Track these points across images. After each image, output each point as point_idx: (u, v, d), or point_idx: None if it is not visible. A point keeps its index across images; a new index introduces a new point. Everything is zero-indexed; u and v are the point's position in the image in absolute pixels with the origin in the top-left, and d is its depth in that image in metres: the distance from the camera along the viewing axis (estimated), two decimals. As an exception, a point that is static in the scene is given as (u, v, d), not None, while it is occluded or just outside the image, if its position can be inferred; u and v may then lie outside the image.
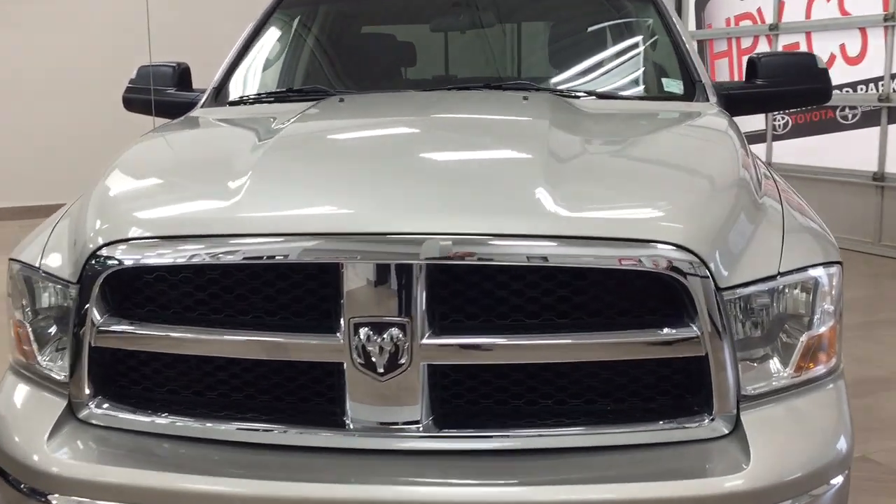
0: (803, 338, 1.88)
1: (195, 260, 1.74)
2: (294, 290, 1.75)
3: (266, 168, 2.02)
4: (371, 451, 1.75)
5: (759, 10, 7.76)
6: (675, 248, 1.70)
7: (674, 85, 2.98)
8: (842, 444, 1.82)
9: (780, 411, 1.83)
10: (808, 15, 7.27)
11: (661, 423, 1.76)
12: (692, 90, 2.94)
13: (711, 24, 8.39)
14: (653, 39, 3.23)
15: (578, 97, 2.79)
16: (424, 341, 1.69)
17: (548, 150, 2.03)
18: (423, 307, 1.68)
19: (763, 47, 7.62)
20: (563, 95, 2.78)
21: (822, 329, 1.91)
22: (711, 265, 1.72)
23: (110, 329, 1.80)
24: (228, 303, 1.78)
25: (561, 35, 3.49)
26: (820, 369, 1.91)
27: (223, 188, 1.88)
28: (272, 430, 1.78)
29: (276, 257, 1.71)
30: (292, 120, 2.41)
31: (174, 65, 3.33)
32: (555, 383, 1.78)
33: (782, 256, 1.85)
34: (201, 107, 3.03)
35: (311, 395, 1.81)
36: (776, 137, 7.73)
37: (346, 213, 1.81)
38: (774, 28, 7.51)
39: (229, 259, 1.73)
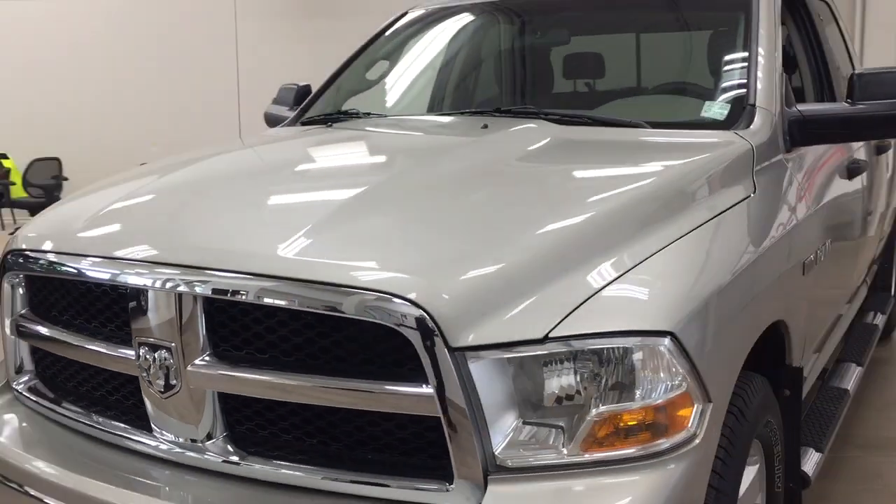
0: (592, 414, 1.67)
1: (46, 272, 2.05)
2: (114, 305, 1.96)
3: (122, 197, 2.24)
4: (165, 461, 1.92)
5: None
6: (402, 301, 1.62)
7: (717, 109, 2.64)
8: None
9: (542, 490, 1.65)
10: None
11: (395, 481, 1.69)
12: (737, 115, 2.59)
13: None
14: (721, 55, 2.87)
15: (575, 124, 2.61)
16: (189, 368, 1.81)
17: (361, 192, 2.03)
18: (183, 334, 1.80)
19: None
20: (561, 122, 2.61)
21: (629, 406, 1.67)
22: (442, 323, 1.60)
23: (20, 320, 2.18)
24: (78, 312, 2.05)
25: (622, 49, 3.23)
26: (632, 451, 1.68)
27: (94, 212, 2.15)
28: (112, 430, 2.02)
29: (88, 276, 1.95)
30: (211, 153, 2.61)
31: (295, 86, 3.67)
32: (315, 423, 1.79)
33: (565, 320, 1.65)
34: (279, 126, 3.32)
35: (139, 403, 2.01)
36: None
37: (138, 241, 1.97)
38: None
39: (65, 275, 2.00)
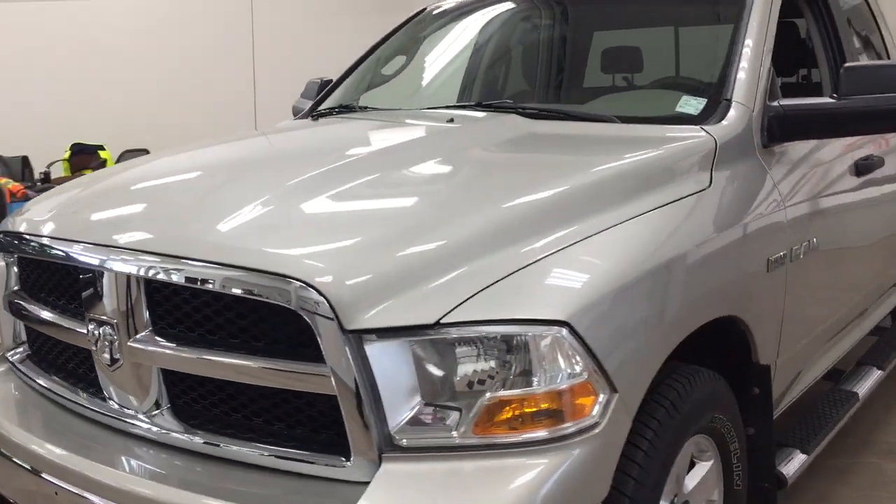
0: (485, 398, 1.72)
1: (27, 254, 2.23)
2: (75, 285, 2.12)
3: (95, 185, 2.40)
4: (121, 431, 2.07)
5: None
6: (300, 284, 1.72)
7: (693, 104, 2.63)
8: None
9: (435, 469, 1.72)
10: None
11: (301, 455, 1.79)
12: (712, 110, 2.58)
13: None
14: (710, 50, 2.84)
15: (548, 119, 2.64)
16: (129, 343, 1.96)
17: (296, 182, 2.14)
18: (123, 312, 1.94)
19: None
20: (536, 117, 2.65)
21: (522, 392, 1.73)
22: (337, 306, 1.69)
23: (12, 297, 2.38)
24: (51, 291, 2.23)
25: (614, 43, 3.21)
26: (527, 436, 1.73)
27: (64, 201, 2.32)
28: (78, 401, 2.19)
29: (55, 257, 2.12)
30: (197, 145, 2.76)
31: (319, 80, 3.81)
32: (238, 399, 1.90)
33: (460, 306, 1.71)
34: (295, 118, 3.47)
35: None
36: None
37: (93, 227, 2.14)
38: None
39: (41, 256, 2.18)
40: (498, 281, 1.78)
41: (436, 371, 1.72)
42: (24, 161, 10.26)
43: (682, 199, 2.20)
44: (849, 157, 3.09)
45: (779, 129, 2.60)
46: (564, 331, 1.72)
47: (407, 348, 1.71)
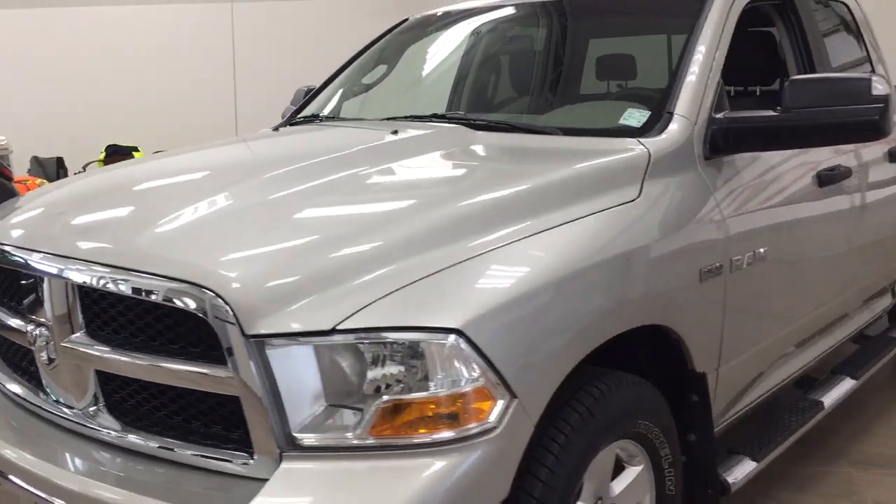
0: (381, 401, 1.81)
1: None
2: (22, 288, 2.26)
3: (46, 195, 2.54)
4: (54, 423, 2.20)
5: None
6: (204, 291, 1.82)
7: (637, 116, 2.68)
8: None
9: (331, 468, 1.81)
10: None
11: (214, 452, 1.90)
12: (654, 123, 2.63)
13: None
14: (661, 64, 2.89)
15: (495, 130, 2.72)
16: (63, 344, 2.08)
17: (222, 191, 2.27)
18: (57, 315, 2.07)
19: None
20: (483, 128, 2.73)
21: (417, 396, 1.81)
22: (239, 312, 1.79)
23: None
24: (5, 293, 2.37)
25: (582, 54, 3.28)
26: (422, 438, 1.82)
27: (18, 208, 2.46)
28: (31, 401, 2.32)
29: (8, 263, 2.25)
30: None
31: (305, 88, 3.92)
32: (160, 398, 2.01)
33: (358, 313, 1.80)
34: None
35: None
36: None
37: (38, 234, 2.27)
38: None
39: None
40: (401, 288, 1.86)
41: (334, 375, 1.81)
42: (59, 162, 10.55)
43: (603, 210, 2.26)
44: (810, 168, 3.10)
45: (722, 141, 2.64)
46: (458, 339, 1.80)
47: (307, 353, 1.80)
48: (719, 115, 2.67)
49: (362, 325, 1.79)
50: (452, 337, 1.80)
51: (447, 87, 3.54)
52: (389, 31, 3.82)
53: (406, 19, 3.86)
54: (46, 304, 2.10)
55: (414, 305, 1.84)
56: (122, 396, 2.07)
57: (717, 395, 2.72)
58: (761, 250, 2.74)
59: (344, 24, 10.34)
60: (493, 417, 1.86)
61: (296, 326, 1.79)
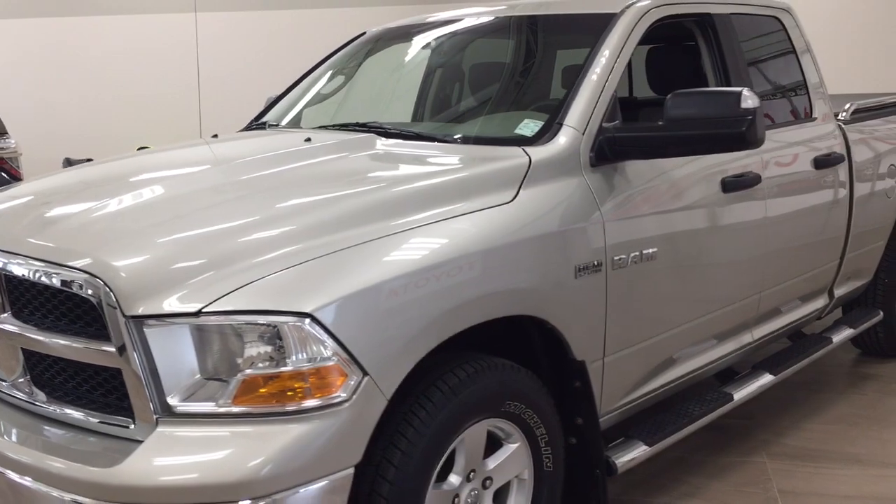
0: (240, 376, 2.10)
1: None
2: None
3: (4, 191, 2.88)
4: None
5: None
6: (90, 276, 2.14)
7: (531, 126, 2.94)
8: (240, 474, 2.02)
9: (198, 433, 2.10)
10: None
11: (104, 417, 2.21)
12: (544, 133, 2.88)
13: None
14: (563, 77, 3.13)
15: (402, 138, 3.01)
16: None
17: (142, 190, 2.62)
18: None
19: None
20: (392, 136, 3.02)
21: (274, 370, 2.10)
22: (120, 295, 2.10)
23: None
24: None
25: (482, 71, 3.55)
26: (278, 408, 2.10)
27: None
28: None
29: None
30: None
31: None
32: (68, 371, 2.33)
33: (224, 297, 2.09)
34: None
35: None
36: None
37: None
38: None
39: None
40: (266, 276, 2.14)
41: (202, 351, 2.10)
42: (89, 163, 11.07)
43: (476, 211, 2.52)
44: (715, 174, 3.31)
45: (609, 150, 2.88)
46: (311, 322, 2.08)
47: (178, 332, 2.09)
48: (608, 126, 2.91)
49: (226, 308, 2.08)
50: (307, 321, 2.08)
51: (383, 98, 3.82)
52: (347, 44, 4.11)
53: (363, 33, 4.14)
54: None
55: (277, 291, 2.12)
56: (42, 370, 2.39)
57: (606, 383, 2.96)
58: (649, 251, 2.97)
59: (310, 36, 10.75)
60: (344, 392, 2.14)
61: (168, 308, 2.09)
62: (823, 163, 3.97)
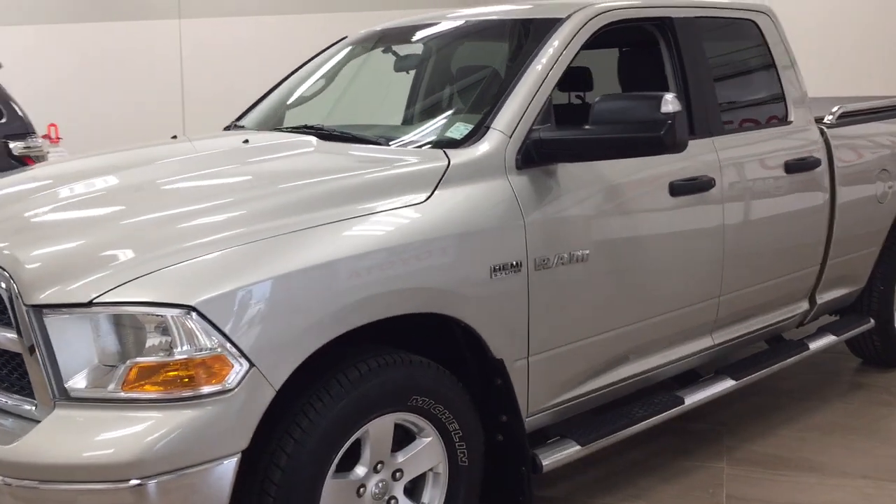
0: (129, 363, 2.23)
1: None
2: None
3: None
4: None
5: None
6: (2, 270, 2.30)
7: (460, 129, 3.01)
8: (126, 455, 2.17)
9: (90, 416, 2.24)
10: None
11: (14, 399, 2.38)
12: (472, 136, 2.95)
13: None
14: (503, 82, 3.18)
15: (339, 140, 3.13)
16: None
17: (78, 188, 2.79)
18: None
19: None
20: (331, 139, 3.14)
21: (160, 359, 2.23)
22: (21, 286, 2.26)
23: None
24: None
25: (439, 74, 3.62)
26: (163, 395, 2.23)
27: None
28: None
29: None
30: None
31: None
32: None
33: (115, 289, 2.22)
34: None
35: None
36: None
37: None
38: None
39: None
40: (161, 269, 2.27)
41: (96, 339, 2.24)
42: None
43: (385, 211, 2.61)
44: (661, 178, 3.33)
45: (536, 153, 2.93)
46: (194, 314, 2.20)
47: (73, 320, 2.24)
48: (537, 129, 2.96)
49: (117, 300, 2.22)
50: (192, 313, 2.20)
51: (350, 102, 3.94)
52: (325, 49, 4.23)
53: (344, 38, 4.27)
54: None
55: (168, 284, 2.25)
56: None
57: (533, 383, 3.01)
58: (580, 253, 3.01)
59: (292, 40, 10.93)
60: (230, 381, 2.25)
61: (63, 299, 2.24)
62: (796, 167, 3.93)
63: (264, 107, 3.99)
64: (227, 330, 2.24)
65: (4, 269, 2.31)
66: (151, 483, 2.16)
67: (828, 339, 4.34)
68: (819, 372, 4.91)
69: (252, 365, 2.27)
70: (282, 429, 2.40)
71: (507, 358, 2.87)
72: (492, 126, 2.95)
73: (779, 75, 4.07)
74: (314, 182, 2.71)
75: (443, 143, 2.98)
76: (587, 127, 2.89)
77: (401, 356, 2.62)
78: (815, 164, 4.03)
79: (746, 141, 3.79)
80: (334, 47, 4.15)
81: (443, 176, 2.77)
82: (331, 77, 3.97)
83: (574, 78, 3.98)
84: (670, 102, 2.80)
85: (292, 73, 4.20)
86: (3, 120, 5.93)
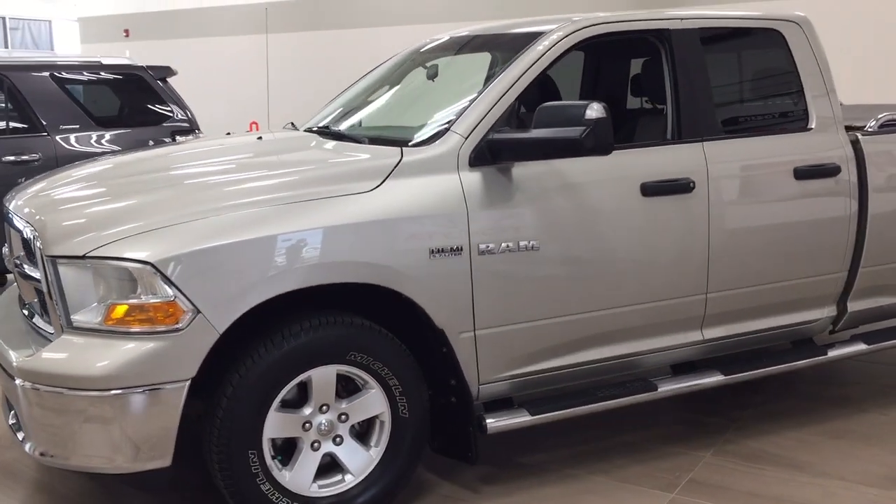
0: (109, 302, 2.95)
1: None
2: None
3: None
4: None
5: None
6: (32, 227, 3.12)
7: (426, 131, 3.49)
8: (94, 371, 2.90)
9: (83, 341, 2.98)
10: None
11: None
12: (434, 137, 3.44)
13: None
14: (479, 89, 3.61)
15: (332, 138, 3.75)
16: None
17: (126, 170, 3.59)
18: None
19: None
20: (328, 136, 3.74)
21: (129, 302, 2.93)
22: (43, 240, 3.05)
23: None
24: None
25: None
26: (134, 329, 2.93)
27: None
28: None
29: None
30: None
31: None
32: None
33: (104, 246, 2.94)
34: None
35: None
36: None
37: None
38: None
39: None
40: (139, 233, 2.97)
41: (87, 284, 2.99)
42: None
43: (337, 196, 3.15)
44: (630, 178, 3.63)
45: (488, 153, 3.37)
46: (150, 268, 2.89)
47: (75, 269, 3.00)
48: (492, 132, 3.39)
49: (101, 254, 2.95)
50: (149, 267, 2.89)
51: (380, 106, 4.50)
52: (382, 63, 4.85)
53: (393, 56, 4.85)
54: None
55: (138, 244, 2.94)
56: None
57: (483, 354, 3.43)
58: (528, 243, 3.40)
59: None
60: (181, 323, 2.92)
61: (67, 252, 3.00)
62: (808, 173, 4.02)
63: (328, 110, 4.66)
64: (177, 283, 2.90)
65: (36, 230, 3.12)
66: (125, 393, 2.88)
67: (856, 348, 4.35)
68: (878, 384, 4.85)
69: (198, 311, 2.92)
70: (232, 369, 3.04)
71: (451, 329, 3.33)
72: (452, 129, 3.42)
73: (801, 82, 4.15)
74: (284, 171, 3.35)
75: (406, 143, 3.48)
76: (531, 130, 3.29)
77: (342, 318, 3.18)
78: (833, 171, 4.08)
79: (745, 146, 3.95)
80: (385, 61, 4.76)
81: (393, 169, 3.28)
82: (376, 86, 4.58)
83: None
84: (595, 110, 3.14)
85: (360, 79, 4.83)
86: (174, 117, 7.09)
